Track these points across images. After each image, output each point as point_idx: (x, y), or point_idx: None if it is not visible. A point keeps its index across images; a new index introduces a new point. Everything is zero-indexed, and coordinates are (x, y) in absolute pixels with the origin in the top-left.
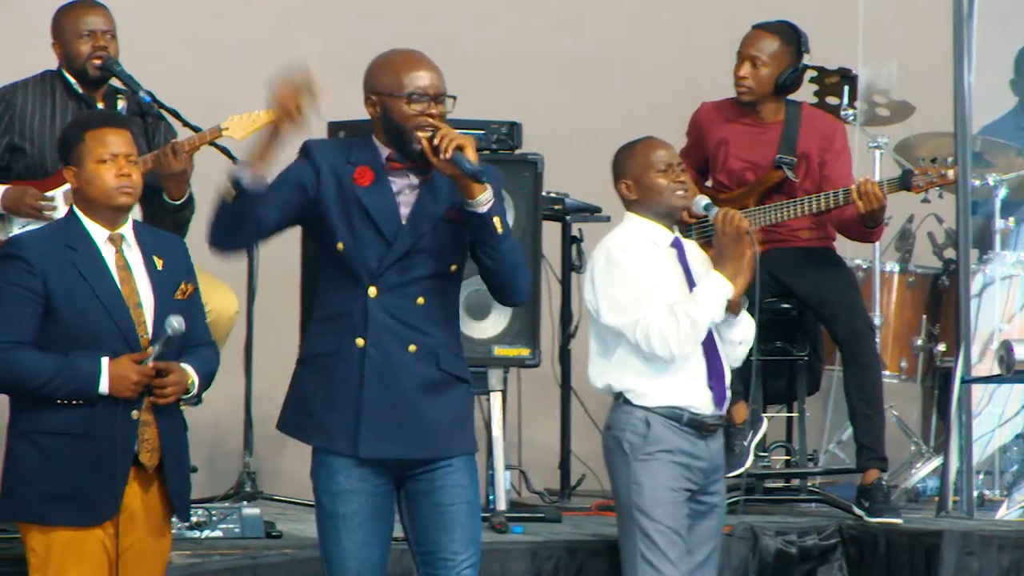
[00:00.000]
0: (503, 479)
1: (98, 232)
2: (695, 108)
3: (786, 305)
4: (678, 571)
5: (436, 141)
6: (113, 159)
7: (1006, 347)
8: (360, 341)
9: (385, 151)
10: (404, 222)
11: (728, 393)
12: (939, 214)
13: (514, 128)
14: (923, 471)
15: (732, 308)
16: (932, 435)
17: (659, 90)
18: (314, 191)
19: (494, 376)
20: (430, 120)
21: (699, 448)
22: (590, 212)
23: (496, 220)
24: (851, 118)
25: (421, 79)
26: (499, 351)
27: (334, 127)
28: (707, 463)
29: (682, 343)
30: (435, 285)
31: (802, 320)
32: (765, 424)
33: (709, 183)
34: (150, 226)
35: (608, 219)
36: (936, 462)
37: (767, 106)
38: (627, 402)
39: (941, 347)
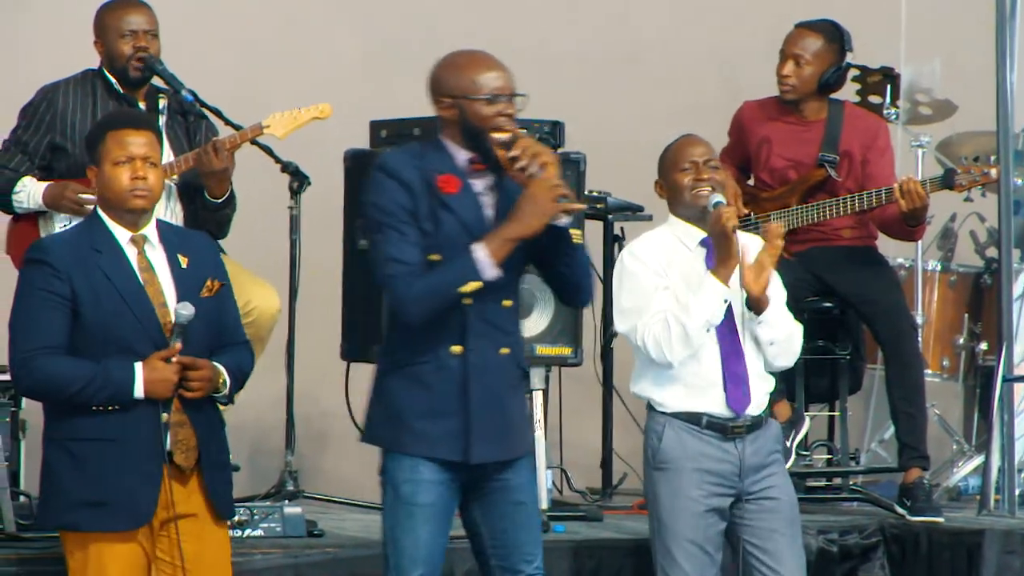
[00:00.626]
0: (545, 478)
1: (121, 233)
2: (738, 107)
3: (828, 304)
4: None
5: (516, 153)
6: (130, 161)
7: None
8: (457, 348)
9: (463, 153)
10: (490, 226)
11: (751, 396)
12: (981, 213)
13: (556, 127)
14: (965, 470)
15: (754, 308)
16: (974, 434)
17: (702, 89)
18: (415, 213)
19: (536, 375)
20: (510, 125)
21: (726, 451)
22: (632, 211)
23: (574, 232)
24: (893, 117)
25: (497, 79)
26: (541, 350)
27: (376, 126)
28: (738, 464)
29: (675, 349)
30: (515, 286)
31: (844, 319)
32: (807, 423)
33: (751, 182)
34: (175, 225)
35: (650, 218)
36: (978, 461)
37: (810, 104)
38: (652, 408)
39: (983, 346)
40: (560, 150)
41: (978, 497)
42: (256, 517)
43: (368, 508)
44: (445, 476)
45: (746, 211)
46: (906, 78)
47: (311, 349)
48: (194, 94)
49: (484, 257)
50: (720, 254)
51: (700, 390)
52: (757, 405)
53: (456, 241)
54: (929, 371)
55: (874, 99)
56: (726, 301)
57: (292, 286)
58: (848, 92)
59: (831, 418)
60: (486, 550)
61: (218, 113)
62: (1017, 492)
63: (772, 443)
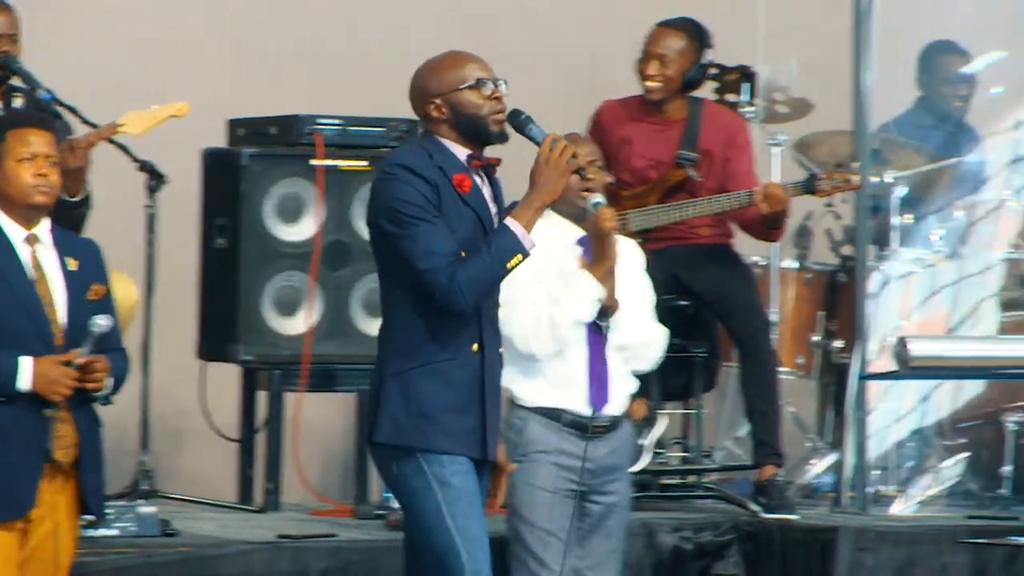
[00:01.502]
0: None
1: (15, 231)
2: (596, 105)
3: (684, 302)
4: (551, 573)
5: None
6: (33, 159)
7: (902, 344)
8: (475, 346)
9: (463, 151)
10: (496, 221)
11: (609, 395)
12: (837, 211)
13: (414, 125)
14: (819, 467)
15: (604, 311)
16: (828, 431)
17: (563, 88)
18: (439, 208)
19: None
20: (500, 105)
21: (583, 449)
22: None
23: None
24: (751, 115)
25: (477, 69)
26: None
27: (234, 124)
28: (594, 464)
29: (542, 342)
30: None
31: (699, 317)
32: (662, 421)
33: (610, 179)
34: (62, 229)
35: None
36: (832, 458)
37: (672, 103)
38: (512, 402)
39: (838, 344)
40: None
41: (832, 494)
42: (110, 516)
43: (223, 508)
44: (472, 468)
45: None
46: (763, 76)
47: (167, 347)
48: (51, 93)
49: (521, 230)
50: (597, 253)
51: (563, 387)
52: (616, 405)
53: (474, 238)
54: (784, 369)
55: (731, 97)
56: (600, 300)
57: (149, 284)
58: (705, 90)
59: (686, 416)
60: None
61: (74, 111)
62: (871, 490)
63: (627, 446)
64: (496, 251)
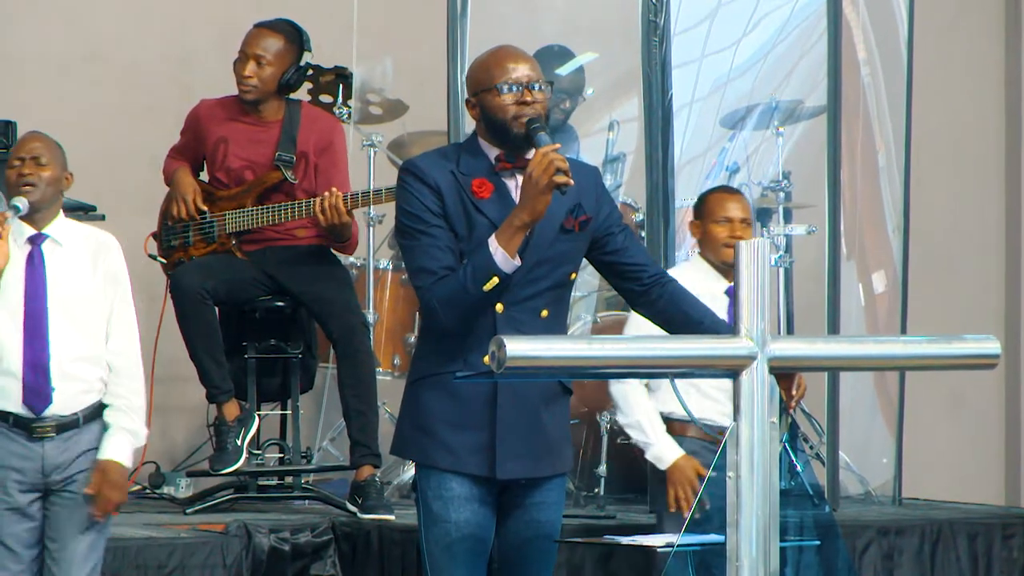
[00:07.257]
0: None
1: None
2: (189, 106)
3: (280, 303)
4: None
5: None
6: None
7: (498, 344)
8: (488, 359)
9: (493, 152)
10: (528, 233)
11: (52, 397)
12: None
13: (9, 127)
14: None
15: None
16: None
17: (154, 89)
18: (444, 215)
19: None
20: (526, 109)
21: (32, 450)
22: (84, 211)
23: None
24: (345, 116)
25: (511, 70)
26: None
27: None
28: (43, 463)
29: None
30: (556, 295)
31: (296, 317)
32: (257, 422)
33: (205, 178)
34: None
35: (103, 217)
36: None
37: (269, 105)
38: None
39: None
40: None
41: None
42: None
43: None
44: (477, 492)
45: (204, 208)
46: (358, 77)
47: None
48: None
49: (497, 249)
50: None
51: (3, 390)
52: (64, 406)
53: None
54: (381, 369)
55: (325, 98)
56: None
57: None
58: (301, 91)
59: (283, 417)
60: (491, 565)
61: None
62: None
63: (86, 443)
64: (472, 272)
